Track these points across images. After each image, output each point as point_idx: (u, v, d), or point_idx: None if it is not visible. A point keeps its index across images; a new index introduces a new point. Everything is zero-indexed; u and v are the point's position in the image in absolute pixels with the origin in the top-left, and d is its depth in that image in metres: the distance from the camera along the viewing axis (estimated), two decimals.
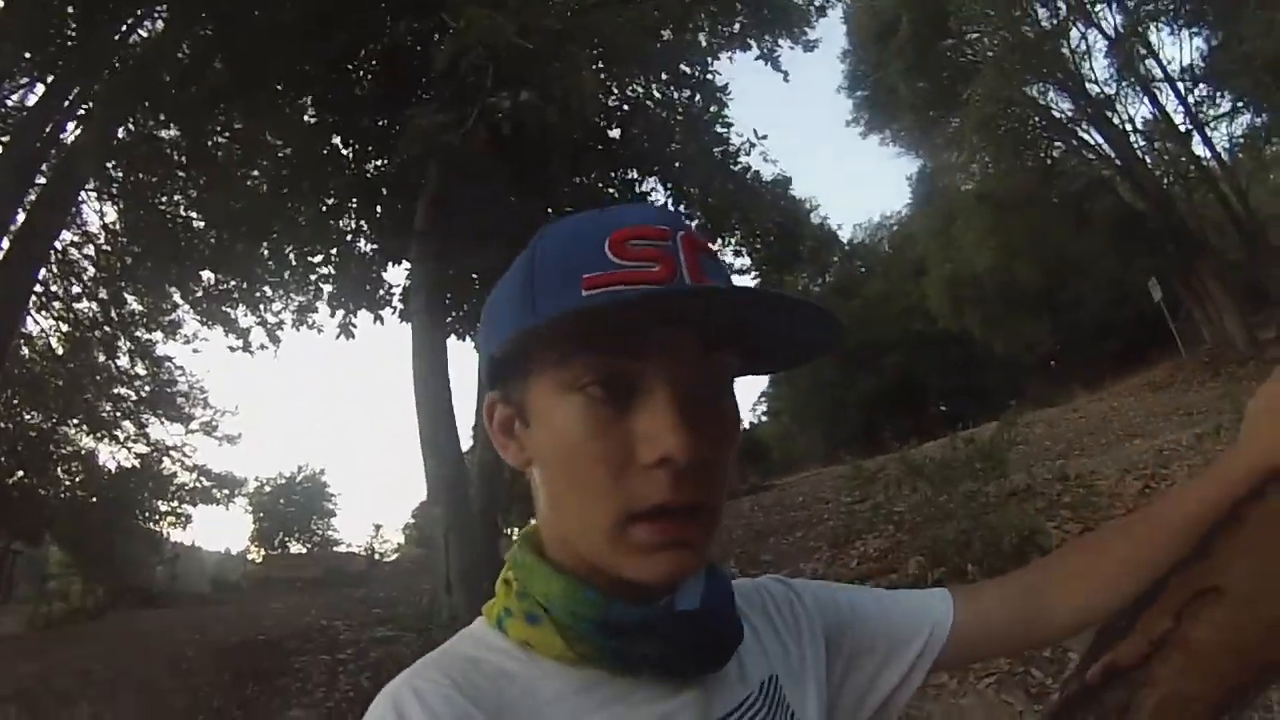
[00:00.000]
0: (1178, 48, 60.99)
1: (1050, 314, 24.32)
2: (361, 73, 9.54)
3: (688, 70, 10.13)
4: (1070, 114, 20.31)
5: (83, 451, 19.73)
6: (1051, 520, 5.71)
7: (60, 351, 16.29)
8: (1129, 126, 19.81)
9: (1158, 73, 18.96)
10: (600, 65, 7.92)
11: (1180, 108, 18.94)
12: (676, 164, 10.21)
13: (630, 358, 0.57)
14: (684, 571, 0.60)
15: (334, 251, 10.69)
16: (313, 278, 11.38)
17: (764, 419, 39.74)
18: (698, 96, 10.21)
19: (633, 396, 0.58)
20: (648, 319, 0.57)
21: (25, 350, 16.00)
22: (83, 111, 11.94)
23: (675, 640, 0.62)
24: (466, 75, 7.00)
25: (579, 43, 6.97)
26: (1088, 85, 19.56)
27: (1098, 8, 18.85)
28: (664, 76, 10.32)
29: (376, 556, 27.43)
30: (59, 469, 19.53)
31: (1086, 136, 20.25)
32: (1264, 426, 0.72)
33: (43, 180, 12.92)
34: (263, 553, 30.72)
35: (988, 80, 17.69)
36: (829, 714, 0.74)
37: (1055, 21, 18.99)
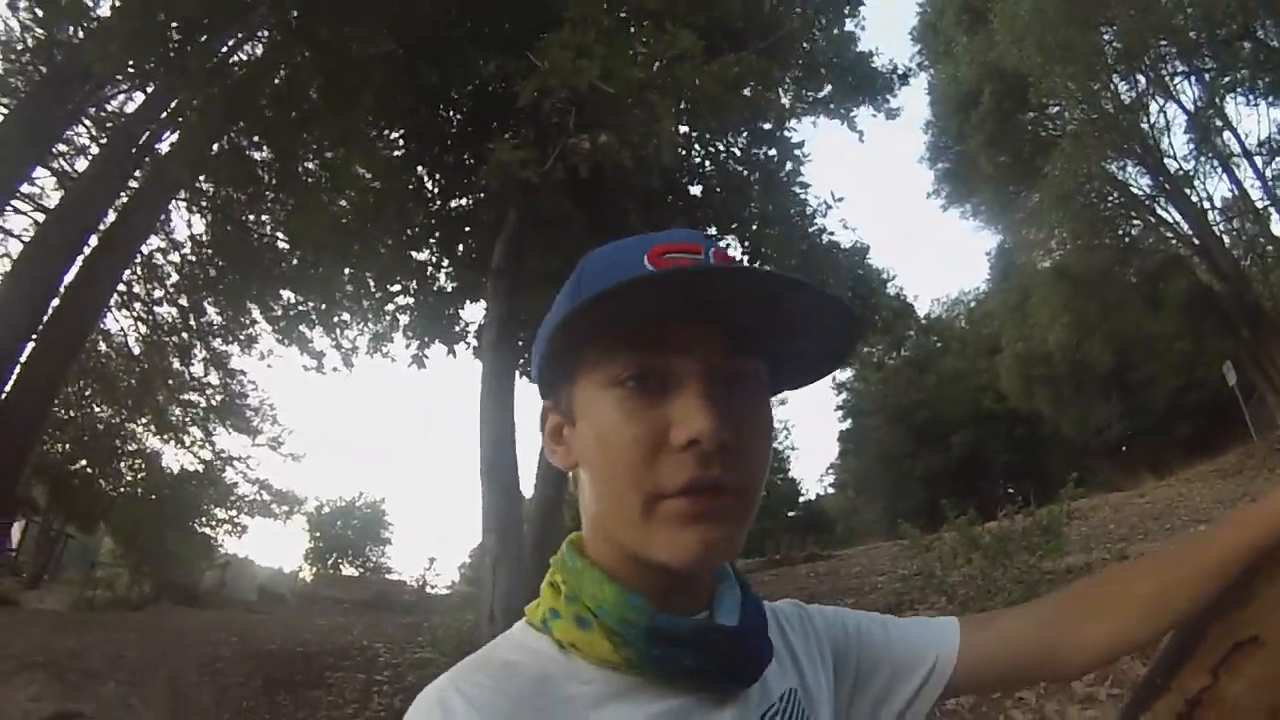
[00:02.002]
0: (1255, 120, 59.55)
1: (1121, 396, 23.67)
2: (449, 109, 9.82)
3: (767, 127, 10.21)
4: (1148, 190, 20.12)
5: (147, 450, 20.40)
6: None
7: (137, 351, 16.87)
8: (1207, 204, 19.53)
9: (1235, 147, 18.72)
10: (680, 115, 8.03)
11: (1258, 183, 18.64)
12: (754, 225, 10.28)
13: (664, 353, 0.62)
14: (713, 550, 0.61)
15: (413, 283, 10.93)
16: (390, 306, 11.62)
17: (829, 491, 39.34)
18: (774, 153, 10.28)
19: (666, 389, 0.62)
20: (676, 302, 0.61)
21: (103, 345, 16.60)
22: (179, 124, 12.50)
23: (716, 654, 0.64)
24: (549, 116, 7.20)
25: (660, 92, 7.09)
26: (1166, 161, 19.32)
27: (1176, 81, 18.71)
28: (743, 133, 10.44)
29: (427, 588, 27.47)
30: (122, 463, 20.19)
31: (1164, 214, 20.02)
32: None
33: (135, 185, 13.52)
34: (314, 571, 30.94)
35: (1067, 154, 17.59)
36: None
37: (1134, 95, 18.89)
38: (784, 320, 0.63)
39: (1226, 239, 19.58)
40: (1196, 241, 19.18)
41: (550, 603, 0.69)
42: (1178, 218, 19.62)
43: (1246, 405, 17.88)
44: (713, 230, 10.72)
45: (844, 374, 29.26)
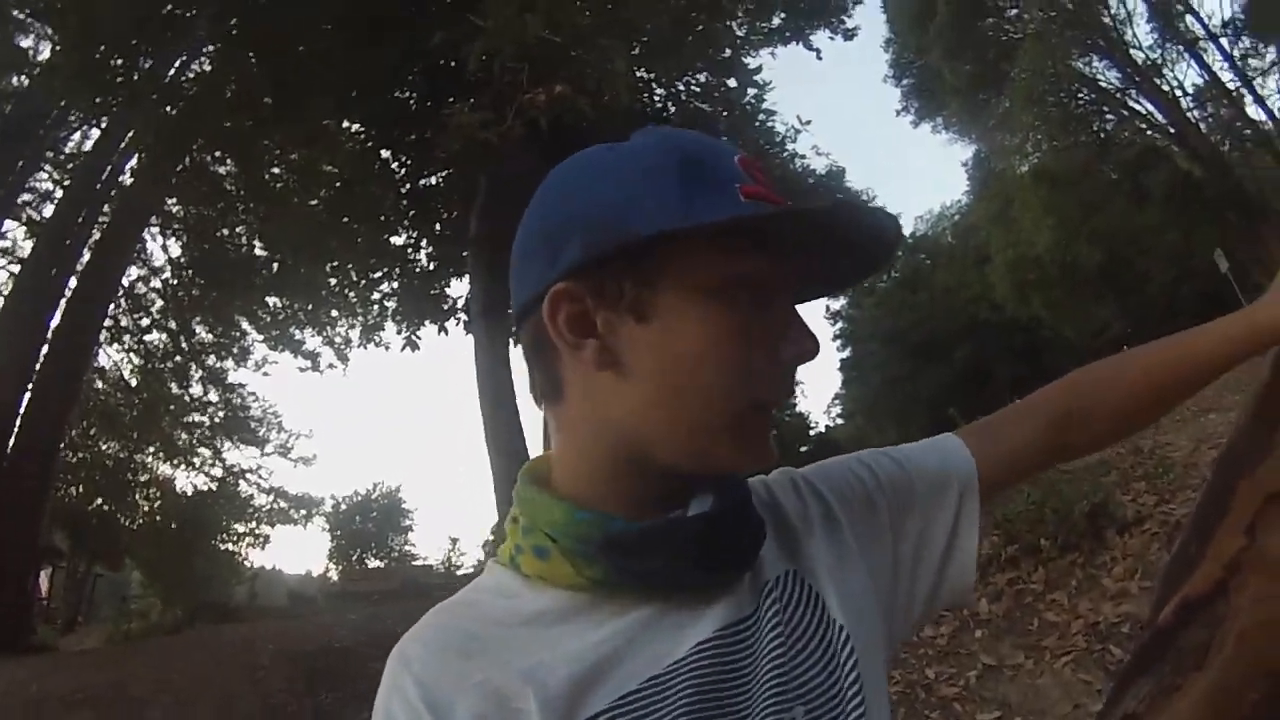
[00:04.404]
0: (1217, 2, 58.83)
1: (1116, 295, 23.61)
2: (404, 89, 9.75)
3: (725, 58, 10.12)
4: (1118, 83, 20.00)
5: (160, 478, 20.41)
6: (1126, 493, 5.54)
7: (134, 382, 16.88)
8: (1178, 92, 19.40)
9: (1200, 31, 18.50)
10: (634, 58, 7.96)
11: (1226, 64, 18.46)
12: None
13: (773, 267, 0.61)
14: (773, 457, 0.64)
15: (395, 268, 10.93)
16: (376, 295, 11.71)
17: (838, 421, 39.33)
18: (734, 83, 10.20)
19: (764, 304, 0.61)
20: (793, 235, 0.61)
21: (100, 382, 16.59)
22: (138, 151, 12.42)
23: (686, 550, 0.61)
24: (503, 76, 7.13)
25: (609, 35, 7.03)
26: (1132, 52, 19.19)
27: None
28: (701, 71, 10.35)
29: (454, 569, 27.50)
30: (137, 495, 20.23)
31: (1137, 106, 19.91)
32: None
33: (105, 219, 13.45)
34: (340, 569, 31.09)
35: (1031, 54, 17.41)
36: (889, 581, 0.73)
37: None
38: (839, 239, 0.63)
39: (1202, 126, 19.47)
40: (1172, 130, 19.12)
41: (513, 539, 0.66)
42: (1151, 108, 19.59)
43: (1243, 291, 17.84)
44: None
45: (837, 302, 29.09)
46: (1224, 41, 18.29)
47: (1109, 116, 20.41)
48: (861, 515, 0.74)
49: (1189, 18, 18.59)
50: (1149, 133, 19.67)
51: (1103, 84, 20.14)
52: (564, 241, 0.61)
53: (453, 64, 8.05)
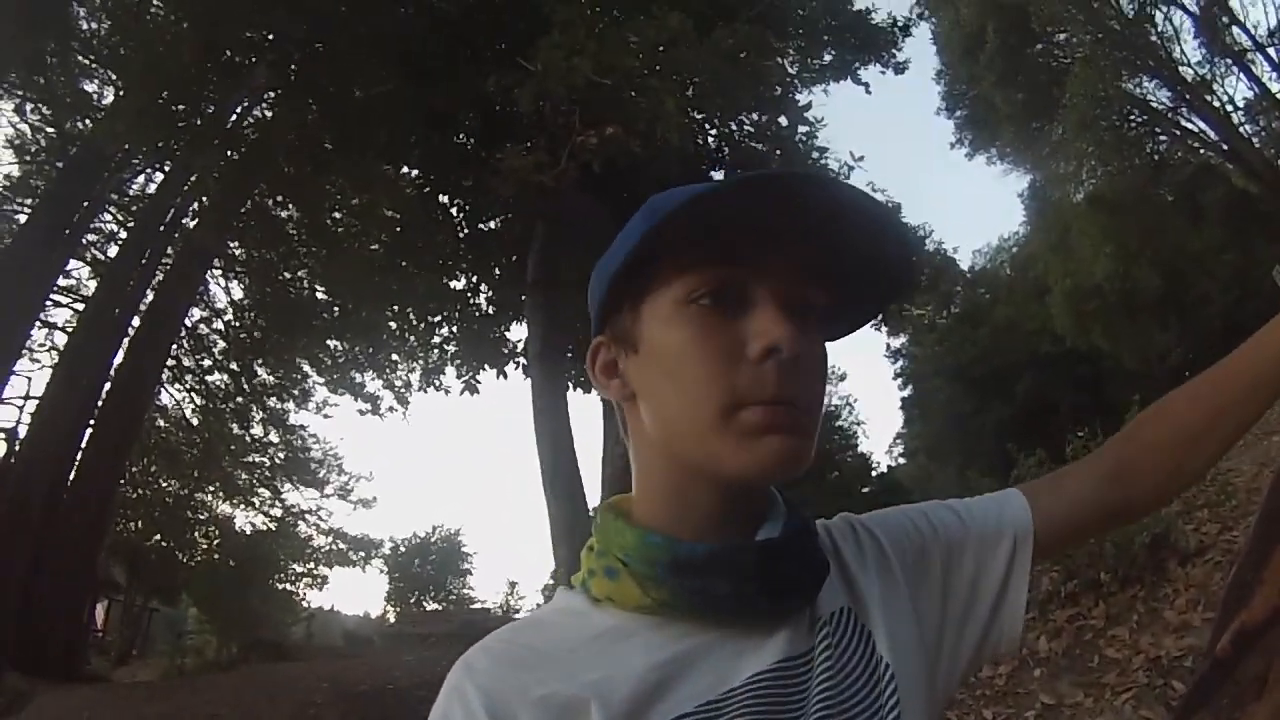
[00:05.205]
0: (1262, 11, 57.61)
1: (1177, 320, 23.04)
2: (459, 134, 9.93)
3: (774, 95, 10.15)
4: (1169, 102, 19.65)
5: (219, 516, 20.86)
6: (1189, 522, 5.36)
7: (195, 422, 17.26)
8: (1229, 107, 19.02)
9: (1247, 42, 18.19)
10: (684, 97, 8.01)
11: (1276, 75, 18.11)
12: None
13: (742, 271, 0.62)
14: (787, 459, 0.60)
15: (455, 311, 11.09)
16: (436, 339, 11.89)
17: (900, 461, 38.72)
18: (785, 122, 10.21)
19: (742, 307, 0.62)
20: (764, 210, 0.61)
21: (161, 421, 16.98)
22: (200, 194, 12.79)
23: (748, 576, 0.62)
24: (555, 119, 7.23)
25: (658, 76, 7.10)
26: (1181, 70, 18.89)
27: None
28: (753, 111, 10.38)
29: (512, 612, 27.43)
30: (196, 532, 20.68)
31: (1189, 124, 19.57)
32: None
33: (168, 260, 13.83)
34: (397, 610, 31.19)
35: (1082, 78, 17.19)
36: (937, 630, 0.73)
37: (1136, 7, 18.46)
38: (849, 247, 0.63)
39: (1256, 140, 19.06)
40: (1225, 147, 18.76)
41: (586, 564, 0.70)
42: (1203, 126, 19.24)
43: None
44: None
45: (897, 340, 28.69)
46: (1272, 51, 17.94)
47: (1162, 137, 20.12)
48: (915, 562, 0.75)
49: (1235, 29, 18.28)
50: (1203, 151, 19.34)
51: (1154, 104, 19.83)
52: (598, 284, 0.71)
53: (506, 108, 8.18)
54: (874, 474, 35.26)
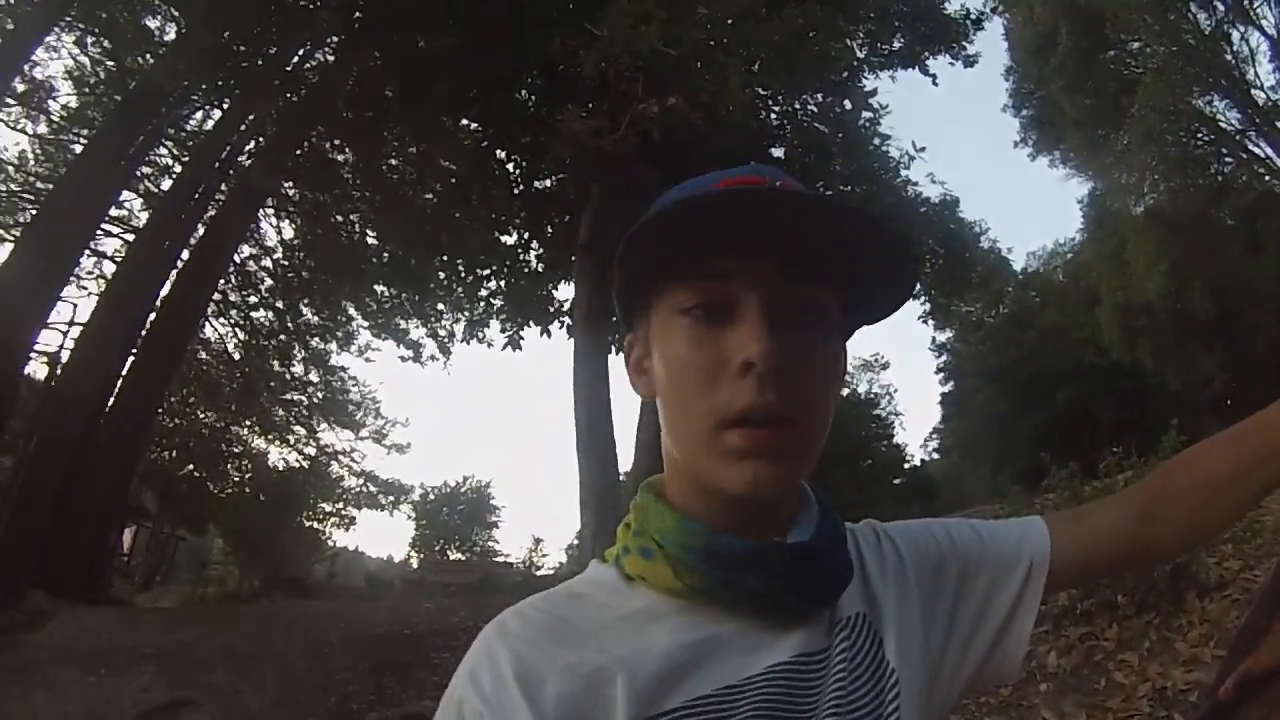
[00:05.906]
0: None
1: (1225, 346, 22.50)
2: (521, 91, 9.92)
3: (839, 78, 10.03)
4: (1238, 125, 19.02)
5: (253, 451, 21.18)
6: (1212, 556, 5.28)
7: (237, 356, 17.50)
8: None
9: None
10: (750, 74, 7.93)
11: None
12: (839, 185, 10.14)
13: (725, 283, 0.64)
14: (769, 480, 0.63)
15: (504, 267, 11.13)
16: (483, 292, 11.95)
17: (934, 456, 38.39)
18: (850, 106, 10.08)
19: (730, 319, 0.64)
20: (732, 225, 0.62)
21: (203, 354, 17.23)
22: (257, 135, 12.87)
23: (777, 574, 0.65)
24: (618, 85, 7.21)
25: (725, 51, 7.05)
26: (1253, 93, 18.27)
27: (1256, 4, 17.62)
28: (819, 92, 10.26)
29: (534, 570, 27.59)
30: (229, 465, 21.03)
31: (1256, 149, 18.90)
32: None
33: (221, 197, 13.97)
34: (421, 557, 31.48)
35: (1152, 90, 16.74)
36: (942, 643, 0.75)
37: (1214, 24, 17.95)
38: (843, 249, 0.63)
39: None
40: None
41: (622, 540, 0.72)
42: (1270, 152, 18.61)
43: None
44: None
45: (943, 334, 28.29)
46: None
47: (1227, 159, 19.49)
48: (931, 574, 0.77)
49: None
50: (1268, 178, 18.73)
51: (1222, 124, 19.21)
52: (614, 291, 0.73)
53: (570, 70, 8.16)
54: (906, 466, 34.92)
